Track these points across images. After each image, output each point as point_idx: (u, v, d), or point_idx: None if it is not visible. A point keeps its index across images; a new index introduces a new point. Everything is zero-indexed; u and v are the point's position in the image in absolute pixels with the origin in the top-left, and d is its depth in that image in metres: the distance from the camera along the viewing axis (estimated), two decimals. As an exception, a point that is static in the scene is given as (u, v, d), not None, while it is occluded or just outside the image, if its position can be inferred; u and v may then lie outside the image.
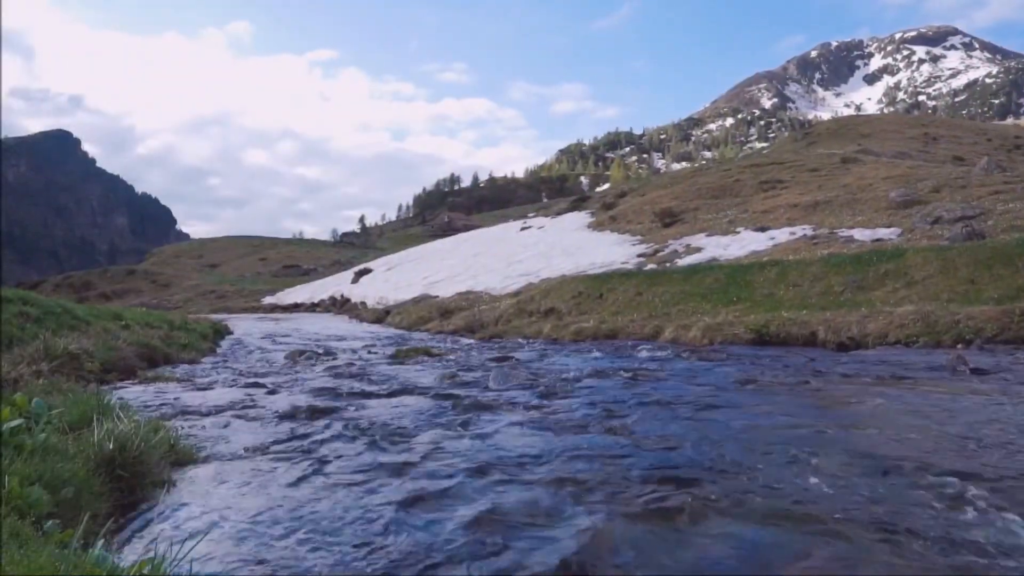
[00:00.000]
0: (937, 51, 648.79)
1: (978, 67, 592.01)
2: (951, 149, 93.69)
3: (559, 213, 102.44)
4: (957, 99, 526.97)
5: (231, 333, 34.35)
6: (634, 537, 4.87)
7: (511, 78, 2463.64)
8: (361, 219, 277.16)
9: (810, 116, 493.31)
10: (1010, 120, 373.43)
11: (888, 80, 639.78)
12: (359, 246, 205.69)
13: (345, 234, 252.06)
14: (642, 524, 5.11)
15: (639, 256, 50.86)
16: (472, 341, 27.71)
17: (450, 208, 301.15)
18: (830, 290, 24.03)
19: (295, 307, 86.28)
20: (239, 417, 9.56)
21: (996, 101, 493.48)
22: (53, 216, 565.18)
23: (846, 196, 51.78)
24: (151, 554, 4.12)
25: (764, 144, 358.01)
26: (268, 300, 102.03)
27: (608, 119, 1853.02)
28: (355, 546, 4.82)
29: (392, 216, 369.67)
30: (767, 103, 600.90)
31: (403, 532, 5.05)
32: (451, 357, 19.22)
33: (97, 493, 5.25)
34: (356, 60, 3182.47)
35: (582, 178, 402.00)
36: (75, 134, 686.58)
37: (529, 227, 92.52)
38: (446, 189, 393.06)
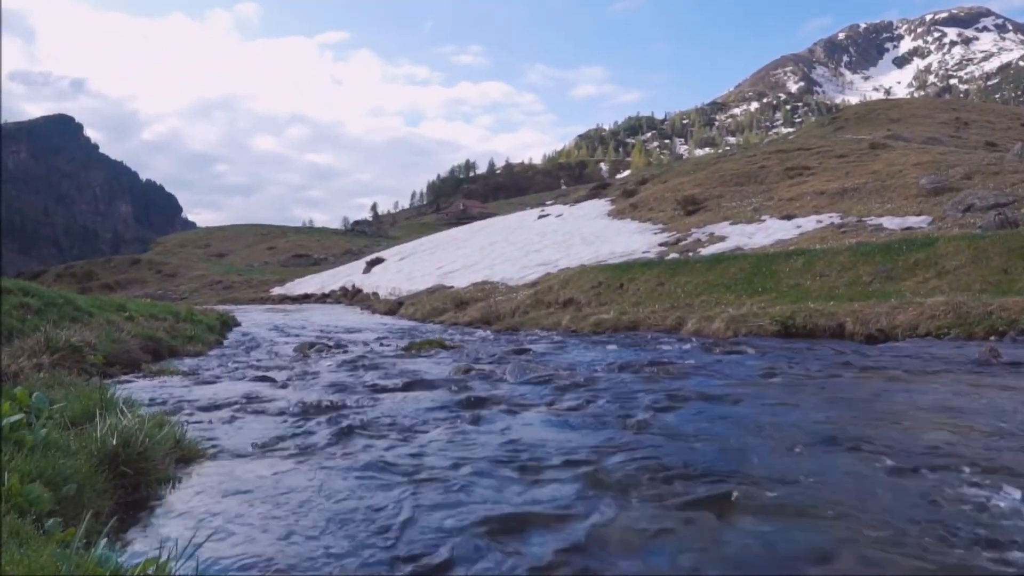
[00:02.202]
0: (969, 33, 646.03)
1: (1012, 49, 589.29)
2: (983, 134, 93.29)
3: (578, 200, 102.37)
4: (990, 83, 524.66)
5: (239, 325, 34.41)
6: (654, 536, 4.86)
7: (529, 61, 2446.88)
8: (373, 207, 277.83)
9: (838, 100, 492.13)
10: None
11: (918, 63, 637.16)
12: (371, 235, 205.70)
13: (357, 222, 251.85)
14: (662, 523, 5.09)
15: (661, 245, 50.81)
16: (488, 333, 27.73)
17: (465, 195, 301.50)
18: (858, 280, 23.98)
19: (305, 298, 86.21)
20: (247, 412, 9.58)
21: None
22: (54, 204, 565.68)
23: (875, 183, 51.63)
24: (156, 553, 4.11)
25: (790, 129, 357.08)
26: (277, 291, 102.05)
27: (629, 103, 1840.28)
28: (365, 545, 4.82)
29: (405, 204, 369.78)
30: (793, 87, 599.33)
31: (414, 531, 5.05)
32: (466, 349, 19.21)
33: (100, 490, 5.25)
34: (368, 42, 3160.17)
35: (602, 164, 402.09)
36: (77, 119, 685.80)
37: (547, 215, 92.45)
38: (461, 176, 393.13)
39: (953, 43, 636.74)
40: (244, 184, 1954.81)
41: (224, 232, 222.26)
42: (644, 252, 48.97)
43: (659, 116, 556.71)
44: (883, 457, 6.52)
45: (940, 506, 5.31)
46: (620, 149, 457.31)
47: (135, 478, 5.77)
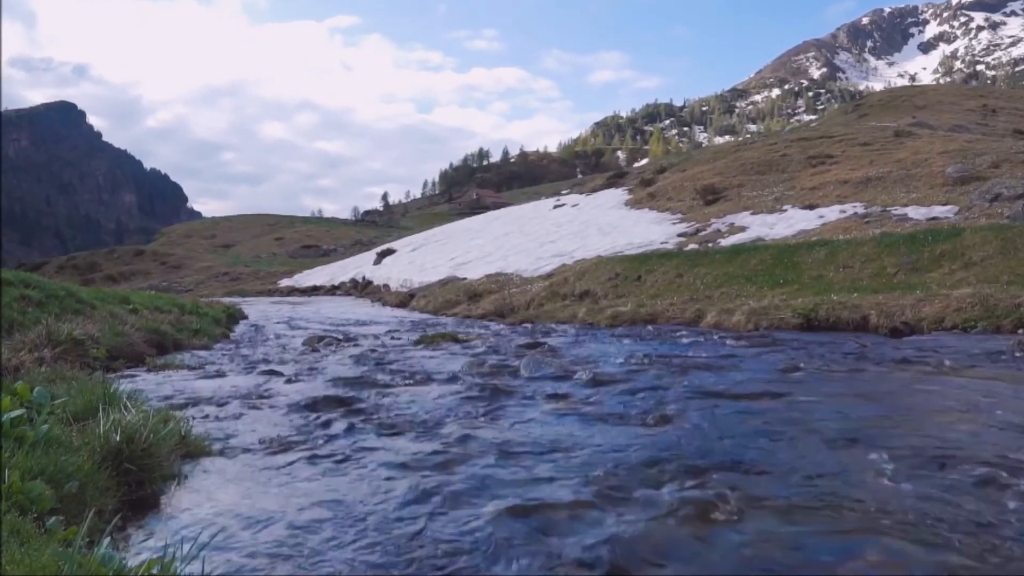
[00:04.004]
0: (996, 17, 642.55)
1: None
2: (1011, 122, 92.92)
3: (594, 190, 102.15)
4: (1018, 68, 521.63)
5: (246, 318, 34.48)
6: (673, 535, 4.85)
7: (545, 46, 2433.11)
8: (384, 196, 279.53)
9: (861, 87, 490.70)
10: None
11: (944, 48, 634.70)
12: (382, 225, 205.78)
13: (367, 212, 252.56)
14: (682, 522, 5.09)
15: (679, 236, 50.73)
16: (502, 326, 27.73)
17: (479, 185, 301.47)
18: (883, 272, 23.95)
19: (314, 290, 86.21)
20: (254, 407, 9.60)
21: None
22: (56, 193, 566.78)
23: (900, 172, 51.49)
24: (160, 553, 4.11)
25: (812, 116, 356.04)
26: (285, 282, 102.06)
27: (648, 90, 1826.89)
28: (375, 544, 4.82)
29: (417, 193, 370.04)
30: (816, 73, 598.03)
31: (426, 530, 5.05)
32: (479, 343, 19.24)
33: (103, 488, 5.27)
34: (380, 26, 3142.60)
35: (619, 153, 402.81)
36: (80, 106, 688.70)
37: (562, 205, 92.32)
38: (474, 164, 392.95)
39: (980, 28, 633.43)
40: (251, 173, 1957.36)
41: (231, 222, 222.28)
42: (662, 243, 48.92)
43: (678, 103, 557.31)
44: (908, 453, 6.50)
45: (966, 503, 5.29)
46: (638, 137, 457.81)
47: (139, 475, 5.77)
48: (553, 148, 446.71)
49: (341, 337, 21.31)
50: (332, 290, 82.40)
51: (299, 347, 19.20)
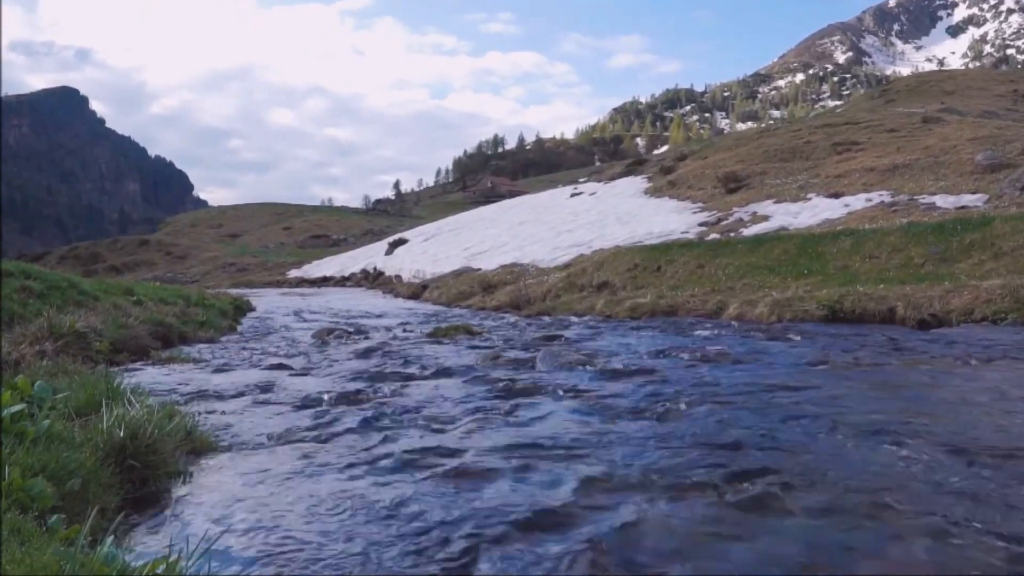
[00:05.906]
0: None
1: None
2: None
3: (613, 178, 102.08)
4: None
5: (253, 310, 34.50)
6: (693, 534, 4.83)
7: (563, 29, 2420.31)
8: (396, 184, 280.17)
9: (888, 71, 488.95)
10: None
11: (973, 32, 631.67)
12: (394, 214, 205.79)
13: (378, 201, 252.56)
14: (701, 520, 5.07)
15: (700, 225, 50.70)
16: (517, 318, 27.76)
17: (493, 172, 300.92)
18: (910, 262, 23.90)
19: (323, 281, 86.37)
20: (262, 402, 9.60)
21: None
22: (58, 181, 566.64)
23: (928, 159, 51.34)
24: (165, 552, 4.10)
25: (838, 102, 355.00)
26: (294, 273, 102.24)
27: (668, 74, 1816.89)
28: (386, 543, 4.80)
29: (430, 181, 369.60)
30: (841, 57, 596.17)
31: (439, 529, 5.02)
32: (494, 336, 19.26)
33: (106, 485, 5.25)
34: (392, 9, 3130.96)
35: (638, 139, 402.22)
36: (82, 91, 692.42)
37: (580, 193, 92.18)
38: (489, 152, 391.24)
39: (1010, 11, 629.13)
40: (259, 160, 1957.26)
41: (238, 211, 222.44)
42: (683, 232, 48.86)
43: (699, 88, 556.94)
44: (936, 448, 6.49)
45: (995, 500, 5.27)
46: (658, 123, 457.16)
47: (143, 472, 5.76)
48: (570, 135, 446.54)
49: (351, 330, 21.30)
50: (342, 281, 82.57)
51: (308, 340, 19.20)
